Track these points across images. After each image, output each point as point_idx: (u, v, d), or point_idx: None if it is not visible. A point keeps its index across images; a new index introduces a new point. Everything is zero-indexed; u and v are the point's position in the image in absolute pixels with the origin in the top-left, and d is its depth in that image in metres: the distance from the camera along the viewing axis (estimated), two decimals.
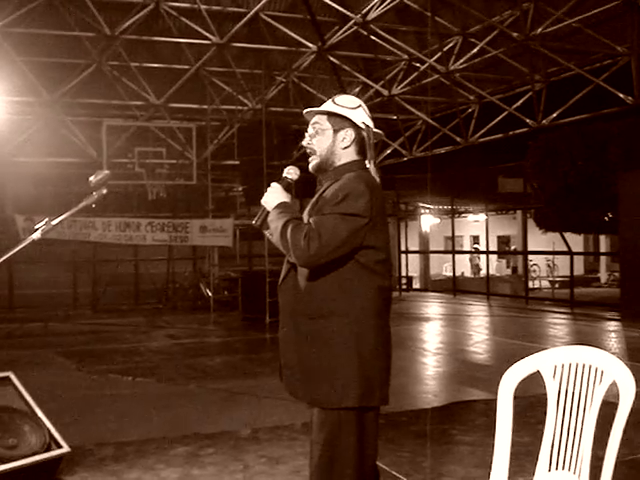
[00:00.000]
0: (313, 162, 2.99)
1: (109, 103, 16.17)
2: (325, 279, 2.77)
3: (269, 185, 3.00)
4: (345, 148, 2.95)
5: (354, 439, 2.77)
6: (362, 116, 2.96)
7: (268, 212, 2.88)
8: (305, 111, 3.06)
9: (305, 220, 2.81)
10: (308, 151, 3.01)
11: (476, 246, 30.71)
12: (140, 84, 15.27)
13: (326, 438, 2.77)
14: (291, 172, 3.00)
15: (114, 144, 15.95)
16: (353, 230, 2.71)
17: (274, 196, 2.89)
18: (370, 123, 2.97)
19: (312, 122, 3.00)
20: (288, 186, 2.95)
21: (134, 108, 16.35)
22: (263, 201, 2.91)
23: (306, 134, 3.02)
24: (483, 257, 24.90)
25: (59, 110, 15.56)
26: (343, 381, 2.75)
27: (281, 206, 2.85)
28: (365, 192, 2.75)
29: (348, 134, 2.94)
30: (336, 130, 2.95)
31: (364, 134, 2.96)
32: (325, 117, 2.98)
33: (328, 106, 2.98)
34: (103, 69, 14.63)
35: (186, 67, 15.08)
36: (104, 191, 2.72)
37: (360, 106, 2.98)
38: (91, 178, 2.73)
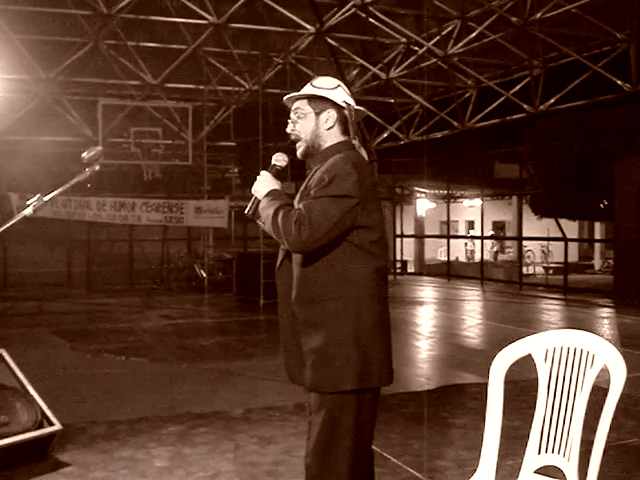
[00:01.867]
0: (300, 148, 2.96)
1: (105, 82, 16.08)
2: (319, 263, 2.76)
3: (264, 168, 2.99)
4: (329, 129, 2.92)
5: (352, 421, 2.77)
6: (342, 95, 2.94)
7: (259, 201, 2.86)
8: (285, 98, 3.02)
9: (296, 206, 2.79)
10: (293, 138, 2.97)
11: (472, 232, 30.71)
12: (137, 64, 15.19)
13: (325, 420, 2.77)
14: (279, 159, 2.98)
15: (110, 124, 15.87)
16: (344, 211, 2.69)
17: (264, 184, 2.88)
18: (351, 101, 2.95)
19: (293, 108, 2.98)
20: (278, 173, 2.94)
21: (130, 88, 16.26)
22: (253, 190, 2.90)
23: (289, 121, 2.99)
24: (478, 243, 24.91)
25: (55, 89, 15.48)
26: (340, 364, 2.74)
27: (271, 194, 2.83)
28: (352, 172, 2.74)
29: (330, 114, 2.92)
30: (317, 112, 2.92)
31: (346, 113, 2.93)
32: (305, 101, 2.95)
33: (307, 90, 2.95)
34: (99, 48, 14.53)
35: (183, 47, 15.00)
36: (97, 167, 2.71)
37: (339, 86, 2.96)
38: (84, 154, 2.71)
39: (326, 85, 2.95)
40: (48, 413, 4.81)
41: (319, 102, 2.92)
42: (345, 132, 2.95)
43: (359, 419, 2.79)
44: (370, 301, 2.81)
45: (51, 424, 4.78)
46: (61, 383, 7.10)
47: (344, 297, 2.75)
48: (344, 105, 2.93)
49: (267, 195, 2.83)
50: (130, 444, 5.14)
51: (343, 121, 2.94)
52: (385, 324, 2.88)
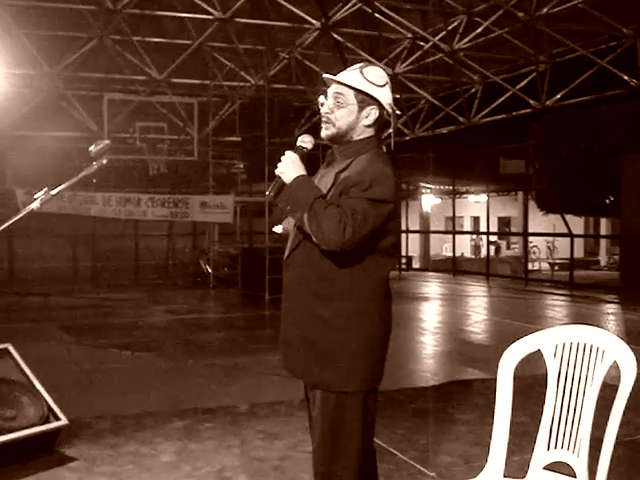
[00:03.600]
0: (328, 131, 2.83)
1: (111, 77, 16.05)
2: (341, 261, 2.68)
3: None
4: (367, 126, 2.82)
5: (358, 419, 2.75)
6: (388, 95, 2.85)
7: (283, 183, 2.72)
8: (330, 77, 2.86)
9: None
10: (324, 119, 2.84)
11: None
12: (142, 59, 15.16)
13: (331, 419, 2.74)
14: (306, 140, 2.84)
15: (115, 119, 15.88)
16: (380, 216, 2.64)
17: (291, 167, 2.72)
18: (391, 106, 2.88)
19: (334, 92, 2.82)
20: (303, 156, 2.79)
21: (136, 83, 16.25)
22: (278, 171, 2.73)
23: (324, 101, 2.86)
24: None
25: (60, 84, 15.47)
26: (350, 366, 2.71)
27: (301, 180, 2.70)
28: (390, 175, 2.68)
29: (372, 113, 2.81)
30: (361, 107, 2.80)
31: (386, 117, 2.85)
32: (352, 91, 2.81)
33: (356, 79, 2.81)
34: (105, 43, 14.51)
35: (188, 42, 14.96)
36: (104, 161, 2.69)
37: (387, 83, 2.85)
38: (91, 148, 2.70)
39: (377, 80, 2.82)
40: (54, 408, 4.81)
41: (365, 97, 2.81)
42: (378, 131, 2.88)
43: (365, 418, 2.77)
44: (383, 302, 2.80)
45: (57, 419, 4.79)
46: (67, 378, 7.10)
47: (361, 298, 2.72)
48: (389, 109, 2.84)
49: (296, 181, 2.69)
50: (136, 439, 5.14)
51: (381, 122, 2.86)
52: (390, 325, 2.87)
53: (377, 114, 2.82)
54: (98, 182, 16.20)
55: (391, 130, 2.92)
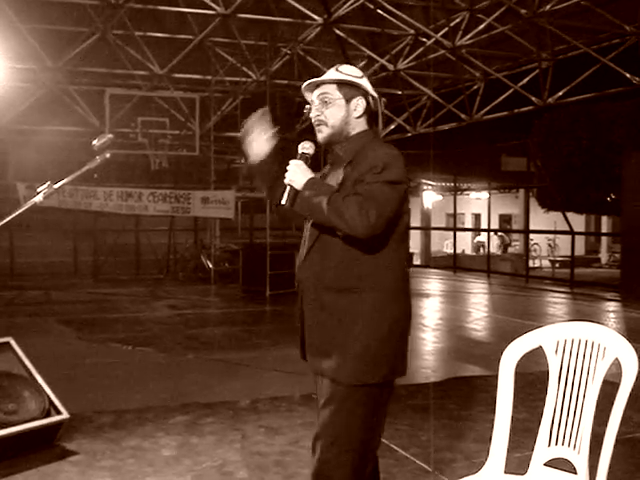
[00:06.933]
0: (324, 133, 2.87)
1: (112, 72, 16.05)
2: (364, 250, 2.69)
3: (283, 160, 2.95)
4: (358, 118, 2.86)
5: (371, 412, 2.76)
6: (369, 86, 2.90)
7: (297, 191, 2.74)
8: (312, 81, 2.93)
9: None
10: (316, 123, 2.88)
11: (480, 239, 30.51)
12: (144, 54, 15.16)
13: (348, 411, 2.73)
14: (306, 147, 2.87)
15: (117, 113, 15.88)
16: (399, 197, 2.69)
17: (300, 173, 2.76)
18: (374, 94, 2.93)
19: (320, 94, 2.87)
20: (306, 162, 2.84)
21: (137, 78, 16.25)
22: (288, 180, 2.76)
23: (312, 106, 2.91)
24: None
25: (62, 78, 15.47)
26: (371, 359, 2.70)
27: (313, 182, 2.73)
28: (399, 156, 2.73)
29: (360, 103, 2.86)
30: (348, 100, 2.85)
31: (372, 103, 2.90)
32: (334, 87, 2.86)
33: (334, 75, 2.89)
34: (107, 38, 14.51)
35: (190, 37, 14.95)
36: (107, 155, 2.70)
37: (364, 76, 2.92)
38: (94, 142, 2.70)
39: (354, 73, 2.89)
40: (56, 402, 4.82)
41: (348, 89, 2.86)
42: (369, 123, 2.91)
43: (379, 411, 2.79)
44: (404, 292, 2.81)
45: (59, 413, 4.80)
46: (68, 372, 7.11)
47: (384, 289, 2.72)
48: (374, 95, 2.89)
49: (308, 184, 2.72)
50: (137, 433, 5.15)
51: (369, 112, 2.90)
52: (411, 316, 2.88)
53: (364, 104, 2.86)
54: (99, 177, 16.21)
55: (384, 124, 2.99)
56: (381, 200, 2.60)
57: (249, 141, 3.01)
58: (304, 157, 2.84)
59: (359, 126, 2.88)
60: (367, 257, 2.70)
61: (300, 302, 2.89)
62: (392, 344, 2.76)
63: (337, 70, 2.90)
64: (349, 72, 2.89)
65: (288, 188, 2.77)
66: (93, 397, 6.22)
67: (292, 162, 2.81)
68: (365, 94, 2.88)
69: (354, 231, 2.59)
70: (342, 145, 2.87)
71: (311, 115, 2.91)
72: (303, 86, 2.95)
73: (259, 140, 2.98)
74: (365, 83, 2.89)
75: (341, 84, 2.86)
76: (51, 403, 4.80)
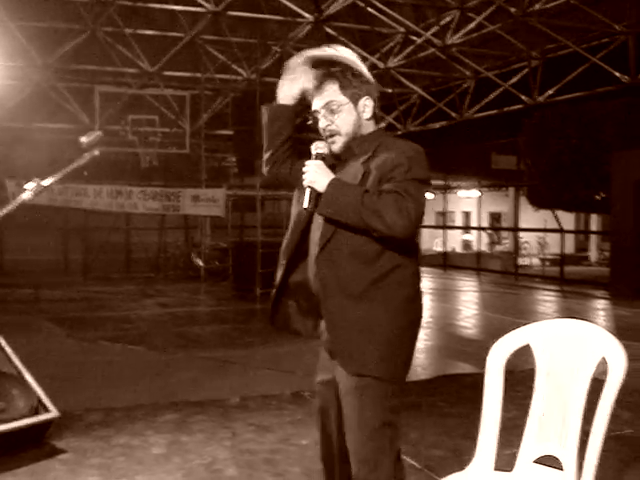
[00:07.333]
0: (339, 143, 2.74)
1: (102, 70, 16.00)
2: (380, 251, 2.61)
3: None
4: (368, 119, 2.77)
5: (396, 406, 2.74)
6: (364, 68, 2.83)
7: (318, 193, 2.61)
8: (314, 54, 2.84)
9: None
10: (328, 134, 2.74)
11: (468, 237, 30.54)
12: (134, 51, 15.13)
13: (383, 408, 2.68)
14: (320, 146, 2.73)
15: (107, 111, 15.84)
16: (425, 194, 2.64)
17: (322, 174, 2.63)
18: (372, 78, 2.86)
19: (324, 103, 2.73)
20: (323, 161, 2.71)
21: (128, 75, 16.21)
22: (308, 182, 2.63)
23: (319, 116, 2.76)
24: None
25: (51, 76, 15.42)
26: (399, 351, 2.68)
27: (337, 183, 2.60)
28: (421, 150, 2.65)
29: (367, 104, 2.75)
30: (355, 102, 2.74)
31: (376, 107, 2.80)
32: (337, 89, 2.73)
33: (330, 51, 2.80)
34: (97, 35, 14.46)
35: (181, 35, 14.92)
36: (96, 152, 2.70)
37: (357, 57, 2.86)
38: (82, 139, 2.70)
39: (350, 56, 2.81)
40: (45, 400, 4.81)
41: (352, 88, 2.73)
42: (377, 120, 2.81)
43: (399, 405, 2.77)
44: (420, 285, 2.79)
45: (48, 411, 4.78)
46: (57, 370, 7.08)
47: (405, 281, 2.69)
48: (372, 80, 2.81)
49: (332, 185, 2.59)
50: (127, 431, 5.15)
51: (375, 108, 2.79)
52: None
53: (372, 103, 2.76)
54: (89, 175, 16.13)
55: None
56: (417, 198, 2.52)
57: (284, 79, 2.91)
58: (320, 157, 2.71)
59: (369, 127, 2.77)
60: (386, 257, 2.62)
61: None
62: (412, 338, 2.77)
63: (335, 50, 2.83)
64: (346, 55, 2.82)
65: (309, 190, 2.64)
66: (83, 395, 6.21)
67: (310, 162, 2.68)
68: (368, 91, 2.77)
69: (394, 231, 2.50)
70: (356, 142, 2.75)
71: (320, 126, 2.76)
72: (309, 55, 2.86)
73: (294, 82, 2.89)
74: (363, 67, 2.82)
75: (344, 85, 2.73)
76: (40, 401, 4.78)
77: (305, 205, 2.64)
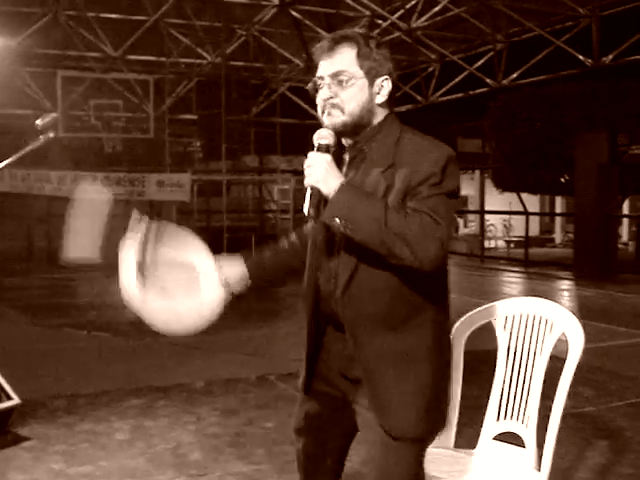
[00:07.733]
0: (336, 119, 2.14)
1: (65, 54, 15.82)
2: (417, 277, 2.07)
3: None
4: (381, 105, 2.19)
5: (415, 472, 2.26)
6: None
7: (321, 195, 2.06)
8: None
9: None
10: (327, 105, 2.16)
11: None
12: (97, 35, 14.94)
13: (410, 467, 2.22)
14: (324, 135, 2.14)
15: (69, 96, 15.65)
16: (455, 210, 2.17)
17: (327, 173, 2.06)
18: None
19: (333, 72, 2.14)
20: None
21: (90, 60, 16.02)
22: (313, 181, 2.06)
23: (322, 83, 2.17)
24: None
25: (13, 60, 15.18)
26: (438, 403, 2.22)
27: (349, 189, 2.04)
28: (454, 155, 2.11)
29: (385, 85, 2.18)
30: (371, 79, 2.16)
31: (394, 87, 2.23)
32: (353, 57, 2.14)
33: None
34: (59, 19, 14.26)
35: (144, 18, 14.77)
36: (51, 134, 2.65)
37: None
38: (37, 121, 2.66)
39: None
40: (6, 387, 4.75)
41: (371, 61, 2.16)
42: (391, 106, 2.24)
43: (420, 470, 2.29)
44: (449, 312, 2.29)
45: (9, 398, 4.73)
46: (21, 358, 7.00)
47: (440, 317, 2.21)
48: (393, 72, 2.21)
49: (343, 191, 2.03)
50: (91, 418, 5.11)
51: (392, 95, 2.22)
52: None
53: (390, 86, 2.19)
54: (52, 161, 15.97)
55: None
56: (448, 218, 2.02)
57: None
58: (324, 149, 2.12)
59: (380, 114, 2.20)
60: (424, 283, 2.13)
61: (312, 325, 2.31)
62: (448, 385, 2.30)
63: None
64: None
65: (311, 191, 2.08)
66: (47, 382, 6.14)
67: (313, 155, 2.11)
68: (390, 70, 2.20)
69: (422, 264, 1.98)
70: (366, 138, 2.19)
71: (320, 96, 2.18)
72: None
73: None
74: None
75: (362, 54, 2.15)
76: (2, 389, 4.73)
77: (305, 210, 2.10)
